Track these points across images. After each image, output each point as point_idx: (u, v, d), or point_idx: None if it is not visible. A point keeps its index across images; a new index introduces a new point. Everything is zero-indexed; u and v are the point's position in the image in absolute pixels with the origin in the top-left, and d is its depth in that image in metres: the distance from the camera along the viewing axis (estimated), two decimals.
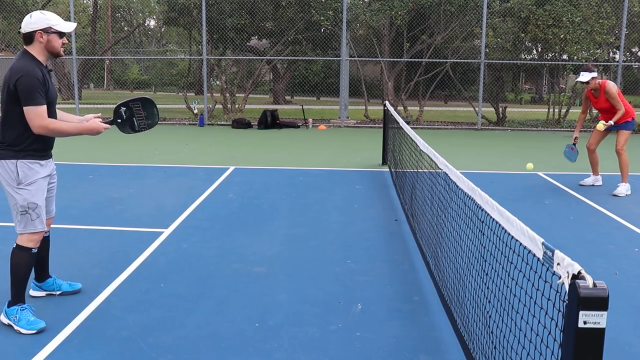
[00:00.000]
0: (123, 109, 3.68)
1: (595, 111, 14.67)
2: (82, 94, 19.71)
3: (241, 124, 14.40)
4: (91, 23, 28.11)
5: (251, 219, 5.77)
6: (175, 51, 36.25)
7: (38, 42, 3.35)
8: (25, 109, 3.23)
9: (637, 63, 17.36)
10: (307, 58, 17.60)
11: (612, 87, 6.91)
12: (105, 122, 3.56)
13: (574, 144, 7.46)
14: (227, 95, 16.38)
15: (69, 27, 3.46)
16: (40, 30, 3.33)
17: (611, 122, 6.89)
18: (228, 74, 16.87)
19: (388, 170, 8.48)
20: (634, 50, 18.42)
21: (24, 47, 3.39)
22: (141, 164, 8.80)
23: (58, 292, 3.84)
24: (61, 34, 3.42)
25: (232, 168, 8.48)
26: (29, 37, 3.34)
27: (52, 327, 3.36)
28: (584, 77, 6.87)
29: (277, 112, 14.91)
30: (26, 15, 3.40)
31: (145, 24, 41.97)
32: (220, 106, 16.46)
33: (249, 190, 7.04)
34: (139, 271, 4.32)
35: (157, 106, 3.81)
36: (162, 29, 41.57)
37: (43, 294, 3.82)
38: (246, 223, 5.63)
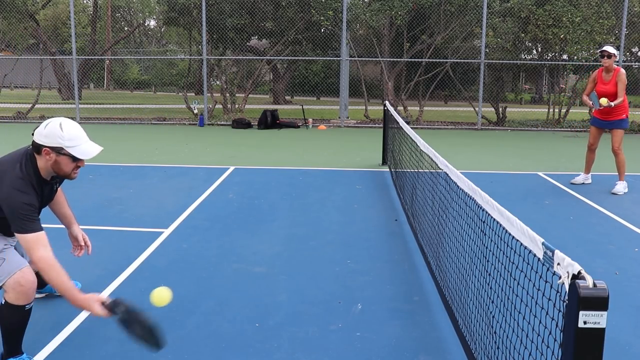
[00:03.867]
0: (119, 315, 2.71)
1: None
2: (82, 94, 19.66)
3: (241, 124, 14.40)
4: (91, 23, 28.09)
5: (251, 219, 5.77)
6: (175, 51, 36.22)
7: (44, 158, 2.81)
8: (19, 236, 2.72)
9: (637, 63, 17.36)
10: (307, 58, 17.58)
11: (625, 74, 7.08)
12: (105, 307, 2.70)
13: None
14: (227, 95, 16.38)
15: (88, 153, 2.82)
16: (49, 148, 2.77)
17: (611, 104, 7.00)
18: (228, 74, 16.87)
19: (388, 170, 8.47)
20: (634, 50, 18.41)
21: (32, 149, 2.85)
22: (141, 164, 8.80)
23: (58, 293, 3.82)
24: (75, 158, 2.82)
25: (232, 168, 8.48)
26: (37, 148, 2.80)
27: (52, 328, 3.36)
28: (611, 48, 7.04)
29: (277, 112, 14.90)
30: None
31: (145, 24, 41.97)
32: (220, 106, 16.45)
33: (249, 190, 7.03)
34: (139, 271, 4.32)
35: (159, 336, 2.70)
36: (162, 29, 41.53)
37: (42, 295, 3.81)
38: (246, 223, 5.63)
